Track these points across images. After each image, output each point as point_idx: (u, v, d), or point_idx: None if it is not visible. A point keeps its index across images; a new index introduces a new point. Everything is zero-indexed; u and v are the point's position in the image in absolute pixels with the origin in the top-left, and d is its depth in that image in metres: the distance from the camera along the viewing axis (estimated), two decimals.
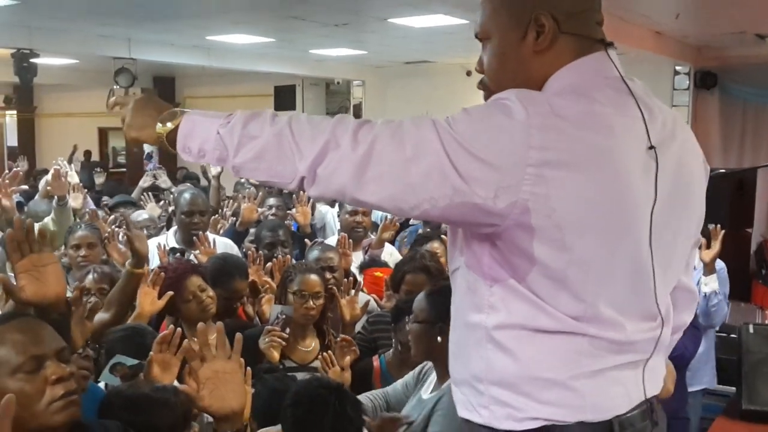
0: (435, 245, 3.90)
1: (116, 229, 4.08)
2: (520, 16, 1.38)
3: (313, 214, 5.09)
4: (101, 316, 2.58)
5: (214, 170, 5.23)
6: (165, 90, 14.64)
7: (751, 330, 3.20)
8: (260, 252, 3.80)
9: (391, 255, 4.36)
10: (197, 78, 13.84)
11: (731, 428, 2.94)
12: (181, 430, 1.96)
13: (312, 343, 2.95)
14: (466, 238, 1.39)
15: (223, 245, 4.02)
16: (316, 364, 2.80)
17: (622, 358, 1.36)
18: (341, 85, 12.87)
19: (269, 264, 3.66)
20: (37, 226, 4.40)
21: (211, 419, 1.76)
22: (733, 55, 9.21)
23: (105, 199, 6.74)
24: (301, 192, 4.87)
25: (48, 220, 4.53)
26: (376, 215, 4.82)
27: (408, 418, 2.33)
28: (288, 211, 5.22)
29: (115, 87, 10.39)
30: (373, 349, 3.01)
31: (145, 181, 6.68)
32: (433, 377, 2.36)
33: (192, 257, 3.78)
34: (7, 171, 4.71)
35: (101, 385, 2.35)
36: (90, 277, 3.10)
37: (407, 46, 9.49)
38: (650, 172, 1.33)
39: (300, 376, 2.76)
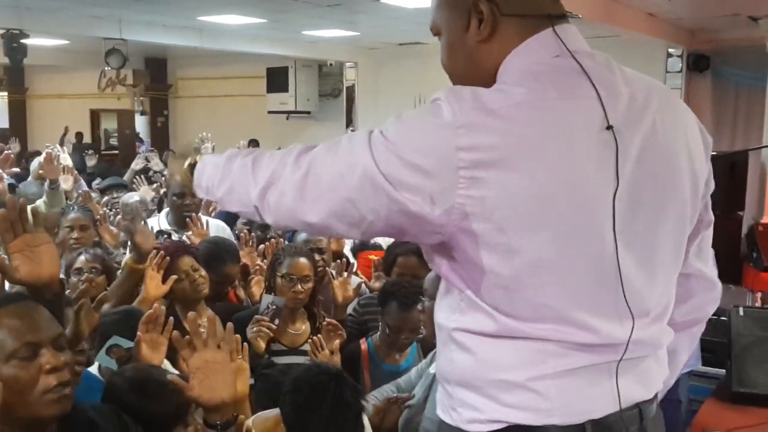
0: None
1: (108, 211, 4.07)
2: (460, 6, 1.33)
3: None
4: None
5: (205, 152, 5.21)
6: (157, 71, 14.57)
7: (741, 313, 3.22)
8: (253, 234, 3.80)
9: (384, 238, 4.37)
10: (190, 59, 13.77)
11: (721, 410, 2.96)
12: (183, 416, 1.95)
13: (302, 327, 2.95)
14: (427, 250, 1.35)
15: (216, 227, 4.02)
16: (307, 347, 2.80)
17: (594, 358, 1.27)
18: (334, 67, 12.83)
19: (262, 246, 3.66)
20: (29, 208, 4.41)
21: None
22: (726, 38, 9.20)
23: (96, 181, 6.71)
24: None
25: (40, 202, 4.53)
26: None
27: (411, 395, 2.34)
28: None
29: (106, 68, 10.34)
30: (363, 331, 3.02)
31: (137, 164, 6.65)
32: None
33: (184, 238, 3.77)
34: None
35: (94, 367, 2.36)
36: (81, 257, 3.10)
37: (400, 27, 9.45)
38: (610, 154, 1.22)
39: (289, 359, 2.77)
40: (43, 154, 5.13)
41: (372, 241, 4.09)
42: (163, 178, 5.25)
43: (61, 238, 3.71)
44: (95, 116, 16.20)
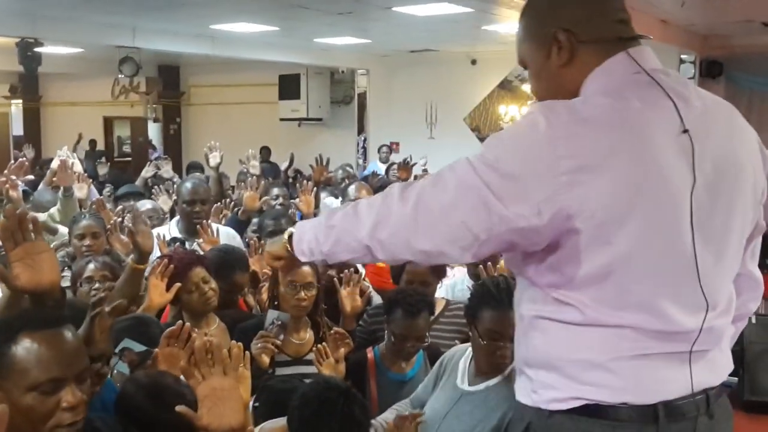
0: None
1: (118, 219, 4.08)
2: (540, 38, 1.51)
3: (317, 206, 5.09)
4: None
5: (212, 161, 5.21)
6: (170, 79, 14.64)
7: (754, 320, 3.20)
8: (263, 241, 3.81)
9: None
10: (202, 67, 13.84)
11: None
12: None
13: (306, 336, 2.91)
14: (514, 257, 1.51)
15: (226, 235, 4.03)
16: (311, 356, 2.79)
17: (668, 346, 1.40)
18: (346, 74, 12.85)
19: None
20: (43, 216, 4.44)
21: None
22: (739, 43, 9.16)
23: (107, 189, 6.73)
24: (305, 181, 4.94)
25: (54, 210, 4.55)
26: None
27: (422, 411, 2.33)
28: (292, 200, 5.22)
29: (119, 76, 10.41)
30: (372, 341, 3.00)
31: (147, 171, 6.65)
32: (463, 367, 2.35)
33: (195, 246, 3.79)
34: (12, 161, 4.72)
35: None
36: (91, 266, 3.11)
37: (411, 35, 9.46)
38: (686, 155, 1.39)
39: (293, 369, 2.76)
40: (55, 161, 5.15)
41: None
42: (174, 186, 5.26)
43: (74, 245, 3.73)
44: (108, 124, 16.29)
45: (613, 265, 1.36)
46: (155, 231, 3.99)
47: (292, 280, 2.86)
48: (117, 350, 2.27)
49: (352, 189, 4.66)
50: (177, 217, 4.23)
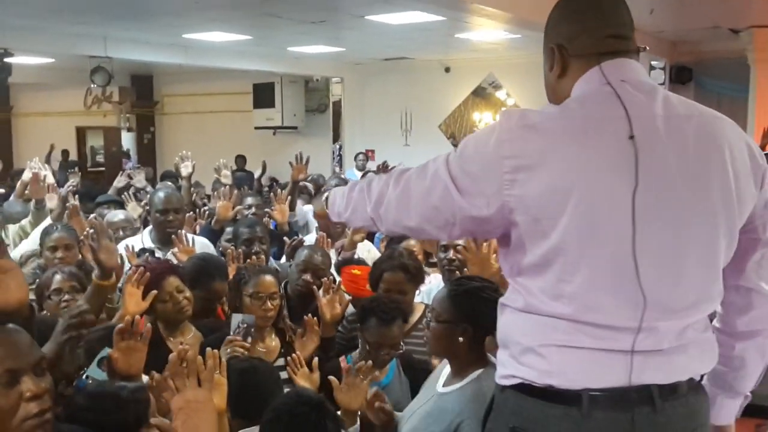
0: (411, 242, 3.91)
1: (91, 231, 4.03)
2: (546, 53, 1.70)
3: (294, 210, 5.08)
4: None
5: (185, 170, 5.17)
6: (143, 88, 14.56)
7: None
8: (239, 249, 3.80)
9: (369, 252, 4.37)
10: (175, 76, 13.77)
11: None
12: (141, 424, 1.94)
13: (272, 343, 2.95)
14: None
15: (201, 244, 4.00)
16: (279, 362, 2.79)
17: (602, 338, 1.49)
18: (320, 82, 12.86)
19: (248, 261, 3.65)
20: (14, 228, 4.37)
21: None
22: (707, 49, 9.31)
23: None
24: (279, 190, 4.92)
25: (25, 222, 4.50)
26: None
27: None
28: (266, 210, 5.20)
29: (92, 86, 10.32)
30: (351, 348, 3.00)
31: (119, 181, 6.56)
32: (446, 371, 2.37)
33: (168, 256, 3.76)
34: None
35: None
36: (58, 277, 3.05)
37: (385, 43, 9.50)
38: (629, 160, 1.48)
39: None
40: (27, 172, 5.09)
41: (356, 257, 4.09)
42: (148, 195, 5.22)
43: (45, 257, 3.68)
44: (81, 134, 16.15)
45: (548, 256, 1.50)
46: (126, 242, 3.96)
47: (257, 291, 2.88)
48: (97, 359, 2.27)
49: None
50: (150, 227, 4.20)
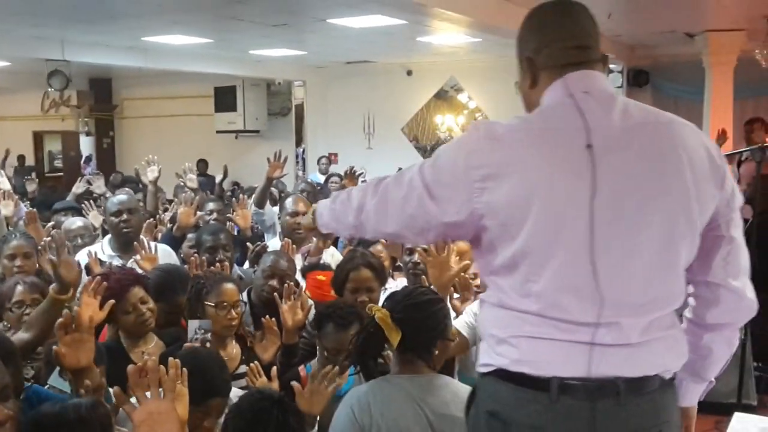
0: (378, 247, 3.91)
1: (48, 239, 3.95)
2: (519, 64, 1.79)
3: (263, 208, 5.02)
4: (21, 336, 2.49)
5: (150, 175, 5.10)
6: (102, 92, 14.33)
7: None
8: (203, 258, 3.75)
9: (332, 256, 4.35)
10: (135, 79, 13.58)
11: None
12: None
13: (233, 351, 2.92)
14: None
15: (163, 252, 3.94)
16: (242, 369, 2.77)
17: (566, 332, 1.59)
18: (282, 86, 12.80)
19: (211, 269, 3.61)
20: None
21: None
22: (663, 53, 9.48)
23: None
24: (241, 195, 4.89)
25: None
26: None
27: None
28: (228, 215, 5.16)
29: (49, 90, 10.13)
30: (315, 354, 2.99)
31: (78, 187, 6.44)
32: None
33: (130, 264, 3.69)
34: None
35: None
36: (20, 288, 2.98)
37: (347, 47, 9.50)
38: (587, 168, 1.57)
39: None
40: None
41: (321, 261, 4.07)
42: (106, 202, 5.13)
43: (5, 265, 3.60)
44: (38, 138, 15.80)
45: (516, 258, 1.61)
46: (87, 249, 3.89)
47: (221, 300, 2.86)
48: (58, 369, 2.23)
49: (289, 202, 4.62)
50: (109, 235, 4.13)
